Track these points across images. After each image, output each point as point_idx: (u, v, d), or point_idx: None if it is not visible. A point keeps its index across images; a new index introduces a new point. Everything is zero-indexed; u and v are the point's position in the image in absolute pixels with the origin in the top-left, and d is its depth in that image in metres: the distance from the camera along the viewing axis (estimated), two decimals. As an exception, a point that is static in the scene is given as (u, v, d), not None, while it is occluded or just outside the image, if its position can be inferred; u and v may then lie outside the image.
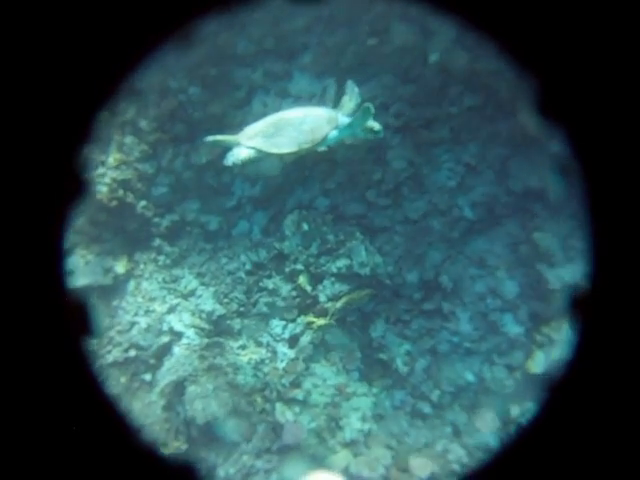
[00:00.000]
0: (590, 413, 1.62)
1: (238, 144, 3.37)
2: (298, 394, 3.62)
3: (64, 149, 1.75)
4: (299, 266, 3.75)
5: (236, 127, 3.61)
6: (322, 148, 3.53)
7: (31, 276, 1.56)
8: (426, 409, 3.82)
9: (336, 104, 3.55)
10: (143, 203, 3.81)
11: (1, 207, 1.54)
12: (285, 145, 3.31)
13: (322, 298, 3.74)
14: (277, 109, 3.68)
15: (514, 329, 3.88)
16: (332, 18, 3.75)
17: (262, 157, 3.41)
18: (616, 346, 1.64)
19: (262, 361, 3.71)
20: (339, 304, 3.67)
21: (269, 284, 3.79)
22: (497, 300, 3.89)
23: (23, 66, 1.56)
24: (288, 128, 3.33)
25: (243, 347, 3.74)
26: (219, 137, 3.43)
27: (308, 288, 3.75)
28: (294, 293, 3.77)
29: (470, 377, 3.89)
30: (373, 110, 3.23)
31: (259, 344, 3.76)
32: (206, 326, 3.70)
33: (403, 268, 3.85)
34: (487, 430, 3.83)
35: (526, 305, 3.88)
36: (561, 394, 1.70)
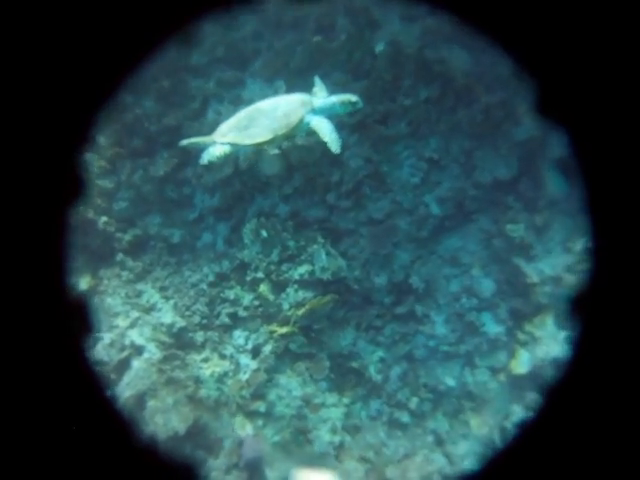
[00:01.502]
0: (588, 414, 1.53)
1: (213, 143, 3.30)
2: (260, 406, 3.48)
3: (61, 153, 1.76)
4: (260, 274, 3.64)
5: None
6: (300, 134, 3.41)
7: (32, 277, 1.56)
8: (404, 418, 3.61)
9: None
10: (104, 219, 3.78)
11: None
12: (259, 134, 3.20)
13: (285, 306, 3.61)
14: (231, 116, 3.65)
15: (494, 328, 3.66)
16: (280, 21, 3.70)
17: (238, 151, 3.35)
18: (615, 345, 1.55)
19: (225, 374, 3.59)
20: (301, 311, 3.53)
21: (231, 295, 3.69)
22: (473, 299, 3.68)
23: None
24: (261, 118, 3.23)
25: (206, 360, 3.63)
26: (193, 139, 3.38)
27: (270, 297, 3.62)
28: (256, 302, 3.66)
29: (451, 382, 3.68)
30: (361, 104, 3.21)
31: (222, 356, 3.64)
32: (167, 339, 3.61)
33: (371, 271, 3.69)
34: (472, 437, 3.60)
35: (505, 302, 3.66)
36: (559, 394, 1.62)
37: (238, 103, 3.71)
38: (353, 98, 3.21)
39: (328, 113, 3.25)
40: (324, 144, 3.26)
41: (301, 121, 3.20)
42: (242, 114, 3.31)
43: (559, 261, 3.56)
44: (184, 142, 3.38)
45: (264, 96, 3.66)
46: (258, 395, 3.51)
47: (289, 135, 3.28)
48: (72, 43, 1.71)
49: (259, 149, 3.47)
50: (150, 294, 3.76)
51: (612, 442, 1.51)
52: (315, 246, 3.58)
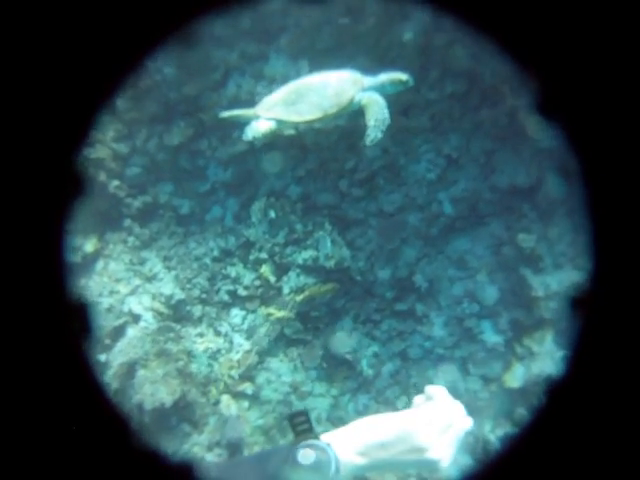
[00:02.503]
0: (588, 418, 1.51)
1: (257, 117, 3.21)
2: (248, 388, 3.47)
3: (62, 149, 1.75)
4: (263, 255, 3.60)
5: (210, 109, 3.57)
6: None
7: (31, 276, 1.56)
8: (390, 416, 3.57)
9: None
10: (116, 183, 3.77)
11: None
12: (308, 112, 3.07)
13: (285, 290, 3.58)
14: (251, 91, 3.58)
15: (492, 338, 3.58)
16: (310, -1, 3.60)
17: (284, 128, 3.29)
18: (616, 347, 1.53)
19: (218, 351, 3.59)
20: (300, 297, 3.50)
21: (233, 272, 3.66)
22: (475, 305, 3.60)
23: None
24: (310, 94, 3.09)
25: (201, 335, 3.63)
26: (235, 112, 3.29)
27: (271, 278, 3.60)
28: (257, 283, 3.63)
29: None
30: (412, 83, 3.09)
31: (217, 333, 3.64)
32: (164, 310, 3.61)
33: (375, 264, 3.63)
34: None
35: (507, 312, 3.57)
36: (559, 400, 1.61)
37: (260, 78, 3.64)
38: (404, 77, 3.07)
39: (378, 93, 3.12)
40: (341, 129, 3.17)
41: (351, 100, 3.08)
42: (289, 88, 3.18)
43: (568, 277, 3.45)
44: (225, 114, 3.30)
45: (286, 73, 3.58)
46: (247, 377, 3.50)
47: (338, 114, 3.17)
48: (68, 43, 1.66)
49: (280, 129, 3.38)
50: (153, 263, 3.76)
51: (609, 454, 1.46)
52: (322, 232, 3.53)
